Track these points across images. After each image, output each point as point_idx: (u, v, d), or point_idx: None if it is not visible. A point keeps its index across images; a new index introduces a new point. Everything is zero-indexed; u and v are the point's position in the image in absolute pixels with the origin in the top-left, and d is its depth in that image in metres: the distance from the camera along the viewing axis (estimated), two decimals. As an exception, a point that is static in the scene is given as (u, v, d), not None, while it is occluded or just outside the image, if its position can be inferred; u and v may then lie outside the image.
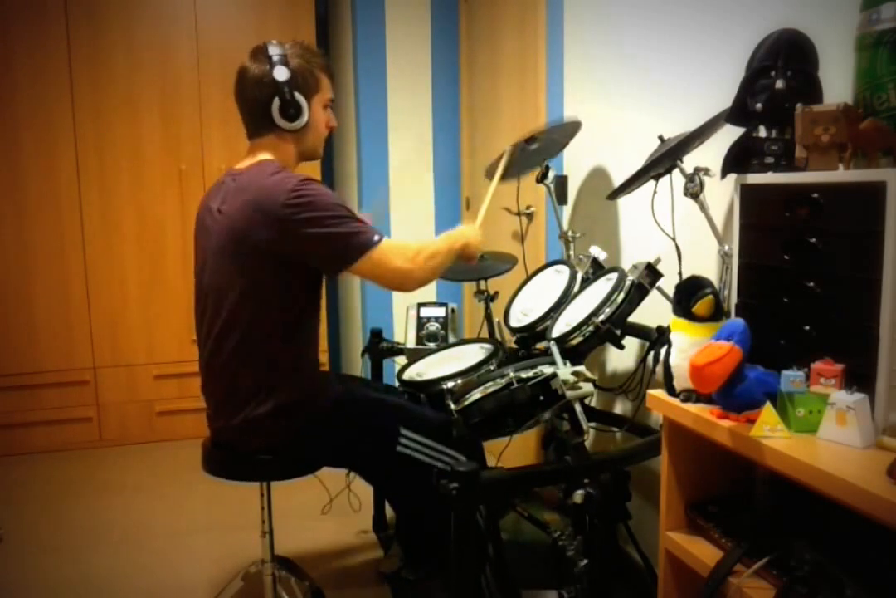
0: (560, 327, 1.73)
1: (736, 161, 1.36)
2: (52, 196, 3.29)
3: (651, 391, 1.38)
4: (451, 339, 2.18)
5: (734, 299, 1.36)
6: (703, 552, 1.29)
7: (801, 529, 1.19)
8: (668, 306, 1.40)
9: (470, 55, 3.29)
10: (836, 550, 1.11)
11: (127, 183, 3.37)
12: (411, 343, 2.21)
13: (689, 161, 1.55)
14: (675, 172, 1.59)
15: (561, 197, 2.44)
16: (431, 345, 2.16)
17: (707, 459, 1.37)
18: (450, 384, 1.76)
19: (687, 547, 1.32)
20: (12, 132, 3.21)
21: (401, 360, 2.31)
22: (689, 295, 1.32)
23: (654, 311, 1.78)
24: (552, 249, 2.58)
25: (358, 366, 3.26)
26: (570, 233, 2.11)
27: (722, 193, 1.62)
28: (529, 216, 2.67)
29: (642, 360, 1.87)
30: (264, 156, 1.69)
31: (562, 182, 2.44)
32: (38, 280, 3.31)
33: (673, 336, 1.34)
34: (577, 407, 1.52)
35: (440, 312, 2.22)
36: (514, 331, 1.90)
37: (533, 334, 1.84)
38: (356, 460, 1.79)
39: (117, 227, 3.38)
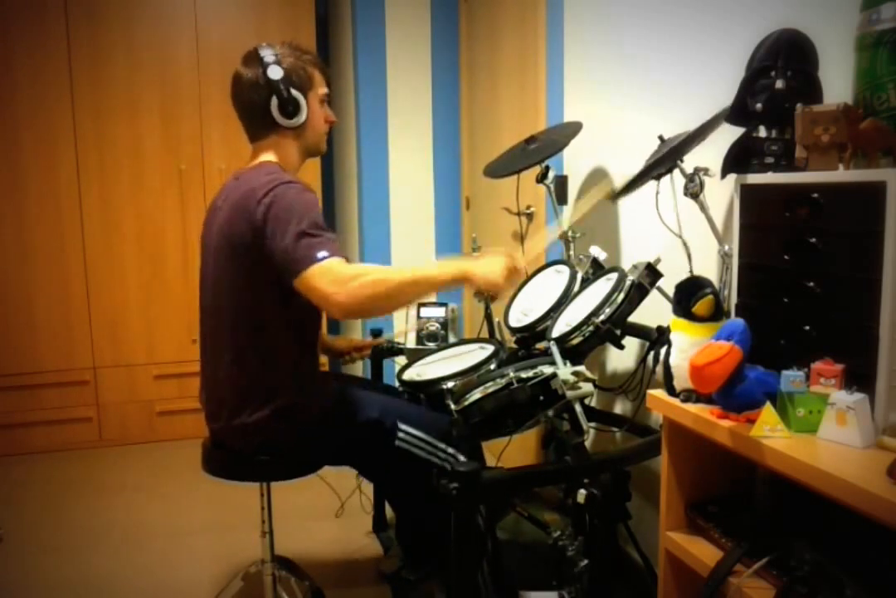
0: (560, 327, 1.73)
1: (736, 161, 1.36)
2: (52, 196, 3.29)
3: (651, 391, 1.38)
4: (451, 339, 2.18)
5: (734, 299, 1.36)
6: (703, 552, 1.29)
7: (801, 529, 1.19)
8: (668, 306, 1.40)
9: (470, 55, 3.29)
10: (836, 550, 1.11)
11: (127, 183, 3.37)
12: (411, 343, 2.21)
13: (689, 161, 1.55)
14: (676, 172, 1.59)
15: (561, 197, 2.44)
16: (431, 345, 2.16)
17: (707, 459, 1.37)
18: (450, 384, 1.76)
19: (687, 547, 1.32)
20: (12, 132, 3.21)
21: (401, 360, 2.31)
22: (689, 295, 1.32)
23: (654, 311, 1.78)
24: (552, 249, 2.58)
25: (358, 366, 3.26)
26: (570, 233, 2.11)
27: (722, 193, 1.62)
28: (529, 216, 2.67)
29: (642, 360, 1.87)
30: (267, 157, 1.70)
31: (562, 182, 2.44)
32: (38, 280, 3.31)
33: (673, 336, 1.34)
34: (577, 407, 1.51)
35: (440, 312, 2.21)
36: (514, 331, 1.90)
37: (533, 334, 1.84)
38: (356, 458, 1.79)
39: (117, 227, 3.38)
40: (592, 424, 1.87)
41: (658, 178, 1.67)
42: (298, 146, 1.74)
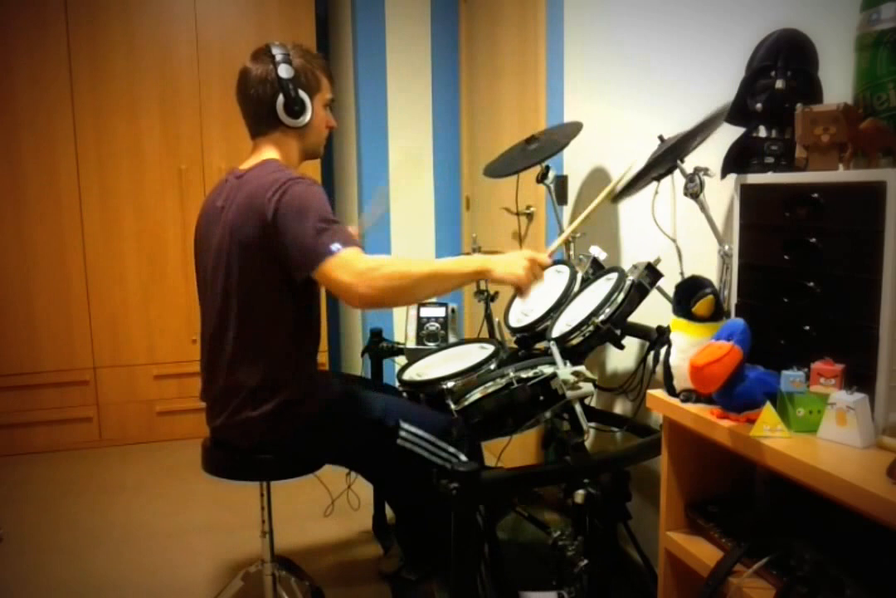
0: (560, 327, 1.73)
1: (736, 161, 1.36)
2: (52, 196, 3.29)
3: (651, 391, 1.38)
4: (451, 339, 2.18)
5: (734, 299, 1.36)
6: (703, 552, 1.29)
7: (801, 529, 1.19)
8: (668, 306, 1.40)
9: (470, 55, 3.29)
10: (836, 550, 1.11)
11: (127, 183, 3.37)
12: (411, 343, 2.21)
13: (690, 161, 1.55)
14: (676, 172, 1.59)
15: (561, 197, 2.44)
16: (431, 345, 2.16)
17: (707, 459, 1.37)
18: (450, 384, 1.76)
19: (687, 547, 1.32)
20: (12, 132, 3.21)
21: (401, 360, 2.31)
22: (689, 295, 1.32)
23: (654, 311, 1.78)
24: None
25: (358, 366, 3.26)
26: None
27: (722, 193, 1.62)
28: (529, 216, 2.67)
29: (642, 360, 1.87)
30: (269, 154, 1.71)
31: (562, 182, 2.44)
32: (38, 280, 3.31)
33: (673, 336, 1.34)
34: (577, 407, 1.51)
35: (440, 312, 2.22)
36: (514, 331, 1.90)
37: (533, 334, 1.84)
38: (356, 457, 1.79)
39: (117, 227, 3.38)
40: (592, 424, 1.87)
41: (658, 178, 1.67)
42: (299, 146, 1.75)
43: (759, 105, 1.32)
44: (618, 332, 1.64)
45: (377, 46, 3.33)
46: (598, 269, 1.92)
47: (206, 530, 2.61)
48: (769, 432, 1.10)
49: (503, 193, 2.85)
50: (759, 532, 1.22)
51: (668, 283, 1.63)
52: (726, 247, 1.45)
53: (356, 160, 3.49)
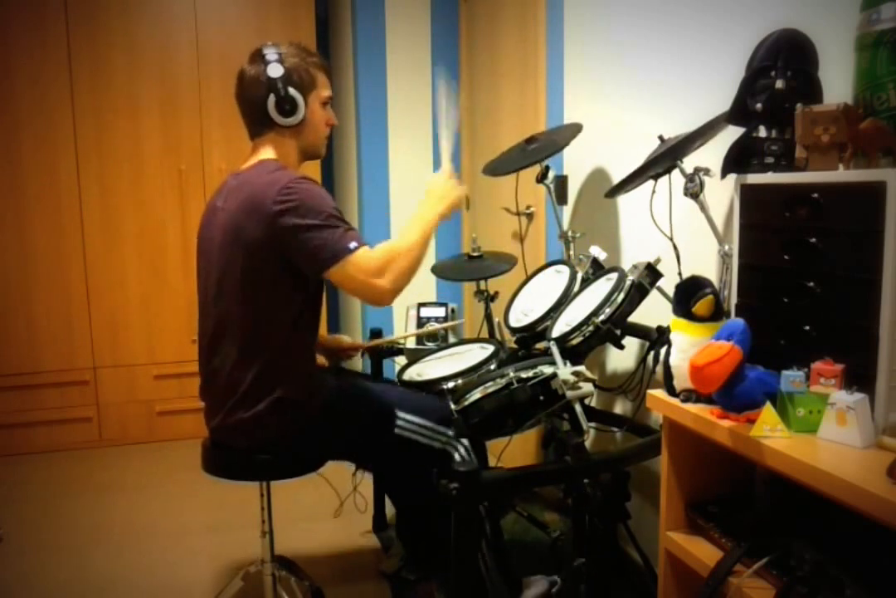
0: (560, 327, 1.73)
1: (736, 161, 1.36)
2: (52, 196, 3.29)
3: (651, 391, 1.38)
4: (451, 339, 2.18)
5: (734, 299, 1.36)
6: (703, 552, 1.29)
7: (801, 529, 1.19)
8: (668, 306, 1.40)
9: (470, 55, 3.29)
10: (836, 550, 1.11)
11: (127, 183, 3.37)
12: (411, 343, 2.21)
13: (689, 161, 1.55)
14: (675, 172, 1.59)
15: (561, 197, 2.44)
16: (431, 345, 2.16)
17: (707, 459, 1.37)
18: (450, 384, 1.76)
19: (687, 547, 1.32)
20: (12, 132, 3.21)
21: (401, 360, 2.31)
22: (689, 295, 1.32)
23: (654, 311, 1.78)
24: (552, 249, 2.58)
25: (358, 366, 3.26)
26: (570, 233, 2.11)
27: (722, 193, 1.62)
28: (529, 216, 2.67)
29: (642, 360, 1.87)
30: (266, 154, 1.71)
31: (562, 182, 2.44)
32: (38, 280, 3.31)
33: (673, 336, 1.34)
34: (577, 407, 1.51)
35: (440, 312, 2.22)
36: (514, 331, 1.90)
37: (533, 334, 1.84)
38: (356, 450, 1.79)
39: (117, 227, 3.38)
40: (592, 424, 1.87)
41: (656, 178, 1.67)
42: (296, 146, 1.75)
43: (759, 105, 1.32)
44: (618, 332, 1.63)
45: (377, 46, 3.33)
46: (598, 269, 1.92)
47: (206, 530, 2.61)
48: (769, 432, 1.10)
49: (503, 193, 2.85)
50: (758, 532, 1.22)
51: (668, 283, 1.63)
52: (726, 247, 1.45)
53: (356, 160, 3.49)
